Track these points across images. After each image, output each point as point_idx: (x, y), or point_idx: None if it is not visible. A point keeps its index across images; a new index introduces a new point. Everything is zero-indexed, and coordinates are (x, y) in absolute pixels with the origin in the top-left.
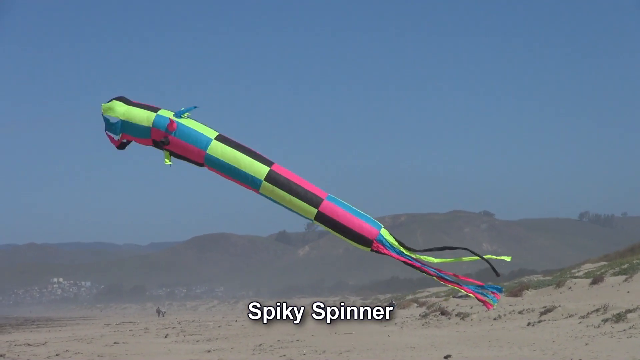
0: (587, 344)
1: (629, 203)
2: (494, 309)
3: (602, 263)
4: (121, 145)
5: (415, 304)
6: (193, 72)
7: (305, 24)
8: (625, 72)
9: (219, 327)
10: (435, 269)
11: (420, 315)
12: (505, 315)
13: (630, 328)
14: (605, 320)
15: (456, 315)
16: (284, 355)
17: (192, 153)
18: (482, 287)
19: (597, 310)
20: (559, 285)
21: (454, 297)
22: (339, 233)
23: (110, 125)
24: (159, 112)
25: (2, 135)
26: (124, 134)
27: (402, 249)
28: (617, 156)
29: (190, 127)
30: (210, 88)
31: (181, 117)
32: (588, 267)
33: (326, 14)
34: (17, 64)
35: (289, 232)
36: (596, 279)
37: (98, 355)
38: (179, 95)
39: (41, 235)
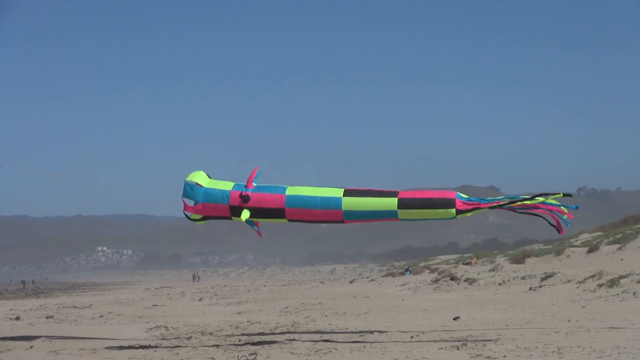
0: (583, 307)
1: (623, 178)
2: (563, 234)
3: (598, 233)
4: (188, 216)
5: (428, 270)
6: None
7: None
8: (621, 51)
9: (249, 291)
10: (517, 203)
11: (431, 280)
12: (509, 280)
13: (623, 292)
14: (600, 285)
15: (464, 280)
16: (308, 317)
17: (274, 202)
18: (559, 212)
19: (593, 276)
20: (558, 253)
21: (462, 264)
22: (427, 208)
23: (191, 191)
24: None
25: (48, 110)
26: (202, 203)
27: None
28: (612, 134)
29: (264, 185)
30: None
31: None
32: (585, 237)
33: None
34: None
35: None
36: (592, 248)
37: (138, 317)
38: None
39: (87, 208)
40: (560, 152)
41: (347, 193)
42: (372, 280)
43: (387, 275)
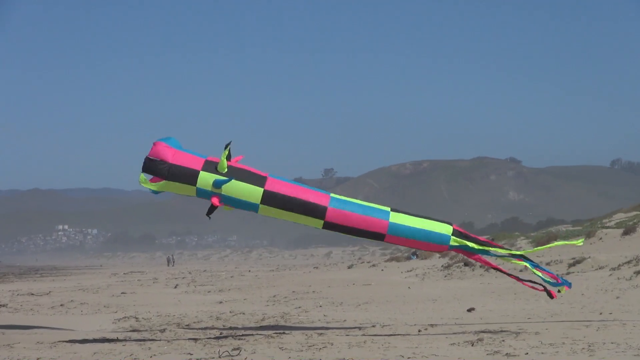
0: (618, 297)
1: None
2: (557, 298)
3: (635, 213)
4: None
5: (438, 255)
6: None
7: None
8: None
9: (231, 277)
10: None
11: (442, 266)
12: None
13: None
14: (637, 273)
15: (480, 266)
16: (299, 307)
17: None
18: (555, 281)
19: (629, 262)
20: (589, 235)
21: None
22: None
23: (170, 140)
24: (198, 184)
25: (7, 74)
26: (178, 150)
27: (475, 246)
28: None
29: (233, 197)
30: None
31: (220, 185)
32: (620, 217)
33: None
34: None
35: (305, 179)
36: (628, 230)
37: (104, 306)
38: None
39: (46, 181)
40: (590, 120)
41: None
42: (373, 265)
43: (391, 259)
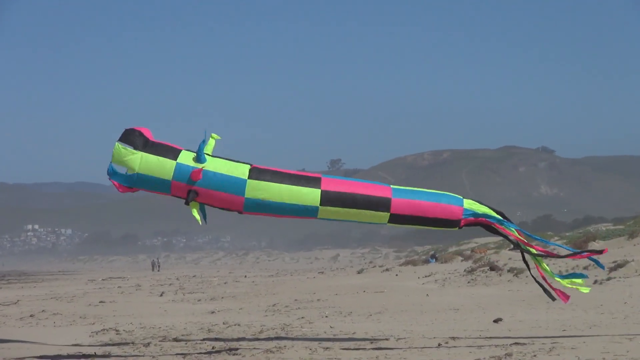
0: None
1: None
2: (568, 303)
3: None
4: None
5: (460, 257)
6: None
7: None
8: None
9: (225, 283)
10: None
11: (465, 270)
12: (567, 271)
13: None
14: None
15: (508, 271)
16: (302, 318)
17: (228, 202)
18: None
19: None
20: (632, 235)
21: (509, 250)
22: (421, 225)
23: (120, 176)
24: (179, 159)
25: None
26: (136, 189)
27: (493, 213)
28: None
29: (218, 172)
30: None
31: (205, 160)
32: None
33: None
34: None
35: (308, 171)
36: None
37: (80, 317)
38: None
39: (13, 174)
40: (633, 105)
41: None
42: (386, 269)
43: (407, 263)
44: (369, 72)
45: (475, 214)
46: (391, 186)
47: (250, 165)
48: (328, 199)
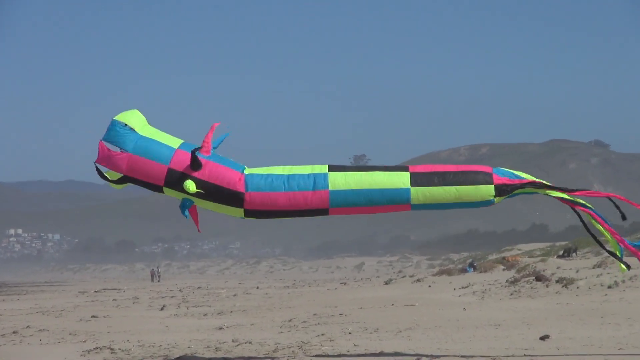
0: None
1: None
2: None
3: None
4: (102, 175)
5: (501, 266)
6: None
7: None
8: None
9: (234, 296)
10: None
11: (507, 281)
12: (624, 282)
13: None
14: None
15: (557, 281)
16: (323, 334)
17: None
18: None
19: None
20: None
21: (558, 257)
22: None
23: (118, 136)
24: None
25: None
26: (130, 154)
27: (523, 174)
28: None
29: (225, 158)
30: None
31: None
32: None
33: None
34: None
35: None
36: None
37: (70, 333)
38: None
39: None
40: None
41: (334, 169)
42: (418, 280)
43: (441, 272)
44: (397, 59)
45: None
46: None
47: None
48: (417, 178)
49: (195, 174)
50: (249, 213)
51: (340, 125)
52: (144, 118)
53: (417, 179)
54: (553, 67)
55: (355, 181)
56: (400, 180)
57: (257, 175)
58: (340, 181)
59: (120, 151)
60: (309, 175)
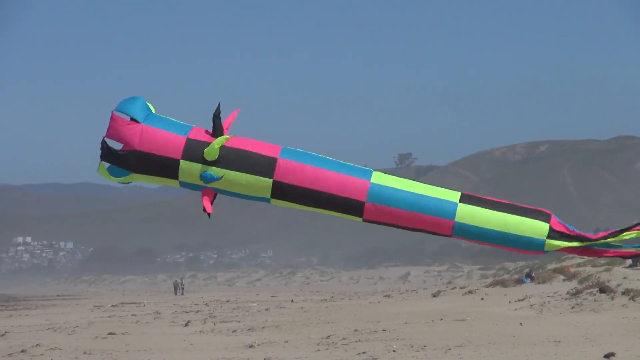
0: None
1: None
2: None
3: None
4: (110, 156)
5: (562, 277)
6: None
7: None
8: None
9: (266, 310)
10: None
11: (568, 293)
12: None
13: None
14: None
15: (623, 293)
16: (365, 352)
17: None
18: None
19: None
20: None
21: (625, 266)
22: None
23: (133, 105)
24: (180, 177)
25: None
26: (145, 125)
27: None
28: None
29: (231, 191)
30: None
31: (212, 180)
32: None
33: None
34: None
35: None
36: None
37: (85, 352)
38: None
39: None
40: None
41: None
42: (469, 292)
43: (495, 284)
44: (445, 49)
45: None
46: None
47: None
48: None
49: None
50: (277, 188)
51: (385, 121)
52: (152, 107)
53: (468, 199)
54: (619, 54)
55: (399, 182)
56: (450, 195)
57: (297, 151)
58: (384, 179)
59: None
60: (351, 165)
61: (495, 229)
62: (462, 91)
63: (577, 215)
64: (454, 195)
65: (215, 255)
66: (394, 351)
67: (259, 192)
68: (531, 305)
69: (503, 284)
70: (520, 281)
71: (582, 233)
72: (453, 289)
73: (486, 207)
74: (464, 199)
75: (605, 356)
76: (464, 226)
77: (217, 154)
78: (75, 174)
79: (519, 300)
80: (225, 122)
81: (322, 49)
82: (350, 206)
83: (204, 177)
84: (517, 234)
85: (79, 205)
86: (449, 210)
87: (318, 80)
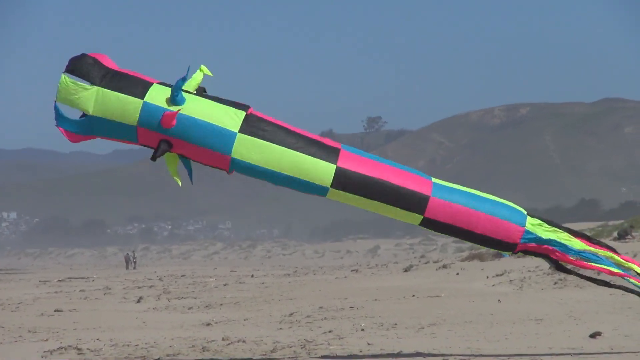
0: None
1: None
2: None
3: None
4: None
5: None
6: None
7: None
8: None
9: (225, 286)
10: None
11: (550, 268)
12: None
13: None
14: None
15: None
16: (330, 332)
17: (209, 158)
18: None
19: None
20: None
21: (611, 239)
22: (464, 239)
23: (69, 122)
24: (147, 96)
25: None
26: (92, 136)
27: (559, 238)
28: None
29: (198, 119)
30: None
31: (183, 100)
32: None
33: None
34: None
35: (338, 133)
36: None
37: (29, 331)
38: None
39: None
40: None
41: (250, 126)
42: (444, 266)
43: (472, 257)
44: (418, 7)
45: (539, 240)
46: (432, 180)
47: (246, 110)
48: (345, 180)
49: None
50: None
51: (351, 81)
52: (92, 87)
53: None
54: (604, 11)
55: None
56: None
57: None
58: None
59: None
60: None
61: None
62: (435, 50)
63: (560, 184)
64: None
65: (170, 227)
66: (362, 330)
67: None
68: (510, 280)
69: (480, 257)
70: (499, 255)
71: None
72: (426, 263)
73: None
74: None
75: (591, 335)
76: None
77: (197, 84)
78: (18, 139)
79: (497, 276)
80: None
81: (287, 11)
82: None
83: (176, 91)
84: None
85: (23, 173)
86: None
87: (285, 42)
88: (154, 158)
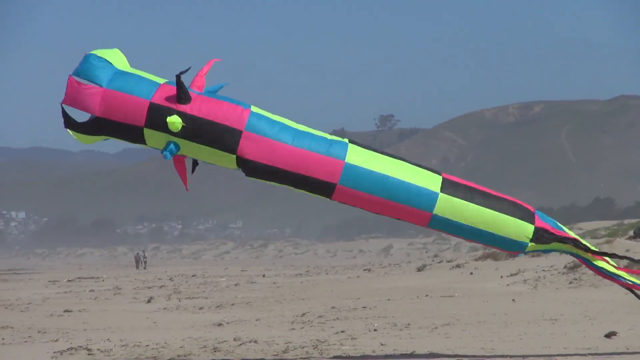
0: None
1: None
2: None
3: None
4: (69, 123)
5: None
6: None
7: None
8: None
9: (236, 285)
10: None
11: (566, 267)
12: None
13: None
14: None
15: (625, 267)
16: (342, 332)
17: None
18: None
19: None
20: None
21: (627, 238)
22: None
23: (91, 69)
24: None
25: None
26: (106, 89)
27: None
28: None
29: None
30: None
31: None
32: None
33: None
34: None
35: (349, 132)
36: None
37: (39, 332)
38: None
39: None
40: None
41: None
42: (457, 266)
43: (485, 257)
44: (430, 3)
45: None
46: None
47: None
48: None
49: (183, 108)
50: (241, 162)
51: (364, 80)
52: (125, 59)
53: (450, 187)
54: (619, 8)
55: (375, 161)
56: (430, 180)
57: (264, 117)
58: (359, 157)
59: (93, 86)
60: (324, 138)
61: (479, 227)
62: (448, 47)
63: (575, 182)
64: (434, 181)
65: (180, 226)
66: (375, 330)
67: (228, 164)
68: (525, 280)
69: (494, 257)
70: (513, 254)
71: (564, 233)
72: (439, 262)
73: (469, 200)
74: (446, 186)
75: (606, 335)
76: (443, 220)
77: (180, 127)
78: (26, 138)
79: (511, 275)
80: (201, 70)
81: (300, 6)
82: (320, 187)
83: (166, 147)
84: (502, 235)
85: (32, 172)
86: (428, 202)
87: (296, 39)
88: (182, 96)
